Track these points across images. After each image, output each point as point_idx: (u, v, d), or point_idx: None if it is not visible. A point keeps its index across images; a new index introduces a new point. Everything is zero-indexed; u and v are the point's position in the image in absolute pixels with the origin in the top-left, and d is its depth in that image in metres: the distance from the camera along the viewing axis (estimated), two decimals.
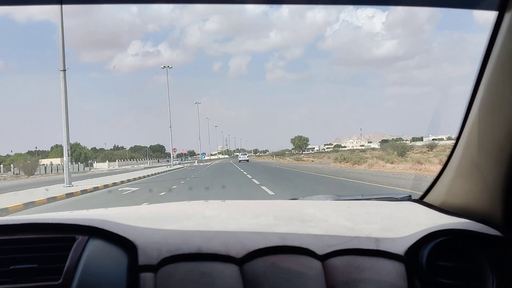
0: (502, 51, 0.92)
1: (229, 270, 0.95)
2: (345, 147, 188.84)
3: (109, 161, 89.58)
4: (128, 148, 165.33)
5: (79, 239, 1.00)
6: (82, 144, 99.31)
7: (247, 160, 60.22)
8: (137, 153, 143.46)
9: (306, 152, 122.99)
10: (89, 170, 67.57)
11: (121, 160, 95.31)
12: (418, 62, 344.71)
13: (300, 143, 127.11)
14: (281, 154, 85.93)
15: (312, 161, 51.69)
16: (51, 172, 58.40)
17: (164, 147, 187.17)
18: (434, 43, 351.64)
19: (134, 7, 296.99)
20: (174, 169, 38.47)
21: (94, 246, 1.00)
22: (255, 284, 0.94)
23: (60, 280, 0.93)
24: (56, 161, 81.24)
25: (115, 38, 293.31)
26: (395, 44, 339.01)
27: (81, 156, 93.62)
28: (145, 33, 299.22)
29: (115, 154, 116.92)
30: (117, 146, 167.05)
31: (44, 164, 66.35)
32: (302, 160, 51.76)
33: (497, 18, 0.93)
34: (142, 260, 0.96)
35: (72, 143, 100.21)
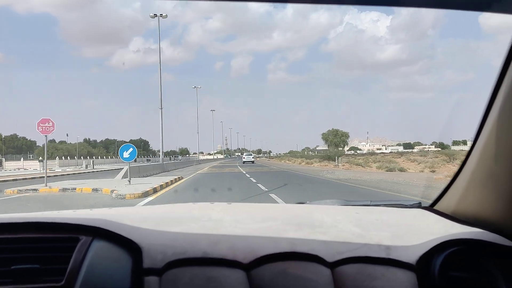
0: None
1: (236, 276, 0.91)
2: (360, 150, 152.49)
3: (46, 159, 49.75)
4: (99, 141, 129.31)
5: (82, 240, 0.97)
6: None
7: (253, 162, 52.14)
8: (100, 148, 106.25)
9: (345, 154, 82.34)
10: None
11: (66, 158, 59.53)
12: (421, 67, 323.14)
13: (336, 140, 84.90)
14: (335, 154, 45.69)
15: None
16: None
17: (148, 142, 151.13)
18: (438, 48, 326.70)
19: (136, 2, 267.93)
20: None
21: (98, 247, 0.96)
22: None
23: (63, 282, 0.90)
24: None
25: (117, 34, 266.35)
26: (398, 49, 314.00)
27: None
28: (147, 29, 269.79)
29: (60, 148, 77.66)
30: (88, 139, 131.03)
31: None
32: None
33: None
34: (146, 263, 0.93)
35: None
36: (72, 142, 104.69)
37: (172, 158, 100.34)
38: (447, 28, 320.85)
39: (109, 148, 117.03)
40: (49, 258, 0.93)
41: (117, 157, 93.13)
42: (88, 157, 77.87)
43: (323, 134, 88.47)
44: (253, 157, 57.54)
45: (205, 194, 12.13)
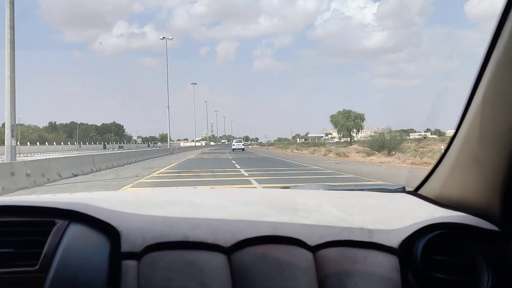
0: (509, 41, 0.87)
1: (217, 259, 0.92)
2: (354, 136, 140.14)
3: None
4: (64, 125, 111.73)
5: (58, 224, 0.96)
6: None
7: (243, 149, 53.12)
8: (59, 133, 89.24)
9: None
10: None
11: (2, 144, 41.07)
12: (407, 55, 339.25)
13: (349, 124, 69.08)
14: (391, 142, 29.57)
15: None
16: None
17: (122, 126, 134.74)
18: (425, 36, 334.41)
19: None
20: None
21: (75, 231, 0.95)
22: (244, 274, 0.91)
23: (37, 266, 0.89)
24: None
25: (100, 18, 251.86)
26: (385, 36, 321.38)
27: None
28: (130, 14, 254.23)
29: None
30: (54, 122, 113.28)
31: None
32: None
33: (506, 5, 0.88)
34: (125, 247, 0.92)
35: None
36: (39, 126, 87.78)
37: (151, 145, 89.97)
38: (434, 16, 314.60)
39: (73, 132, 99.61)
40: (24, 242, 0.92)
41: (79, 144, 76.64)
42: (38, 142, 63.18)
43: (331, 116, 73.64)
44: (243, 144, 58.48)
45: None
